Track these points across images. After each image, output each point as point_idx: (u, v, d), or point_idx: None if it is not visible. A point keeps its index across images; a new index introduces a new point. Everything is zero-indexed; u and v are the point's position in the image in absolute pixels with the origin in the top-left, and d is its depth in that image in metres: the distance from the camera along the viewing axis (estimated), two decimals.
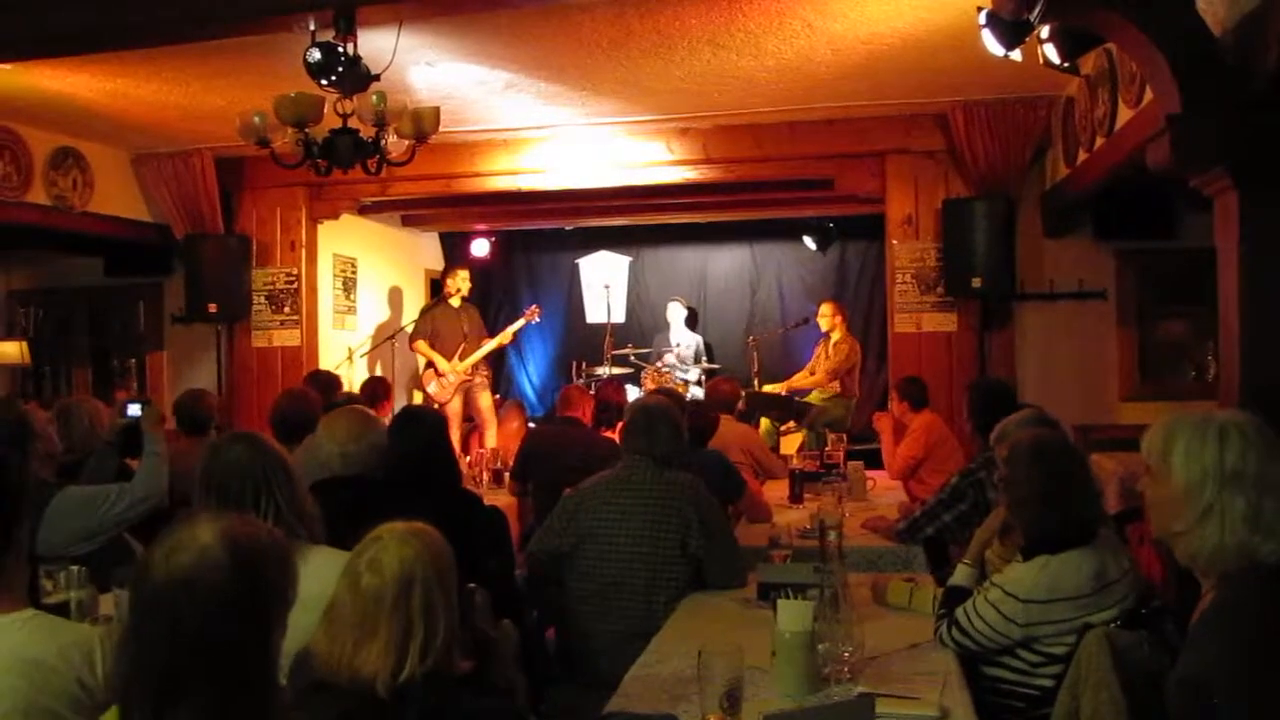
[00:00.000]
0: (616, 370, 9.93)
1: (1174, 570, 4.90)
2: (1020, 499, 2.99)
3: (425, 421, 3.90)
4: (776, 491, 5.90)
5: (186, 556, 1.66)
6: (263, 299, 8.62)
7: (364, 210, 9.24)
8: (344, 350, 9.39)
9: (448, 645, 2.11)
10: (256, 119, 5.24)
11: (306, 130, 5.09)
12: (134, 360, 9.24)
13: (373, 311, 10.18)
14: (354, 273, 9.75)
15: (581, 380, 9.62)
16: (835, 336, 9.10)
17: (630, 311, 11.84)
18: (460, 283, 9.11)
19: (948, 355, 7.55)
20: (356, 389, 8.63)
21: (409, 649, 2.06)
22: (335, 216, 8.86)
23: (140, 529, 3.89)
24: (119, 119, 7.24)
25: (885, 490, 6.12)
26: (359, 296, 9.85)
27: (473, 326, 9.09)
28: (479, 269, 10.61)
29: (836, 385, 8.96)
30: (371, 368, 9.78)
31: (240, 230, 8.61)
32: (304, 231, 8.64)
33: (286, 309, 8.62)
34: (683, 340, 10.77)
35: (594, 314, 11.63)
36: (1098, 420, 7.29)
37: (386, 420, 5.29)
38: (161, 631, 1.64)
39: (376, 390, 7.28)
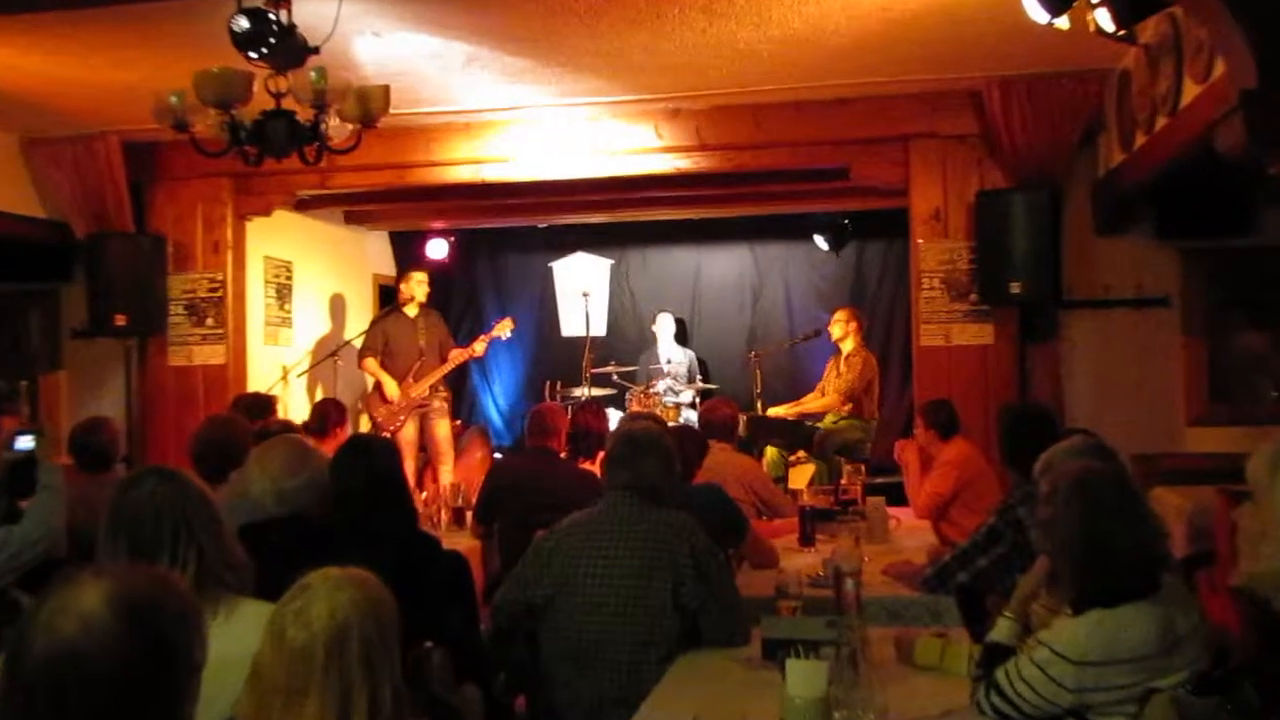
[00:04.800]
0: (596, 392, 9.91)
1: (1254, 623, 4.91)
2: (1061, 543, 2.98)
3: (374, 453, 3.89)
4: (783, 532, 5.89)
5: (69, 624, 1.63)
6: (181, 309, 8.57)
7: (301, 205, 9.22)
8: (278, 369, 9.35)
9: (397, 709, 2.11)
10: (173, 98, 5.22)
11: (233, 112, 5.08)
12: (24, 382, 9.15)
13: (312, 324, 10.16)
14: (289, 278, 9.72)
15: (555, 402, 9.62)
16: (847, 348, 9.11)
17: (612, 323, 11.85)
18: (415, 288, 9.11)
19: (982, 373, 7.56)
20: (291, 414, 8.62)
21: (351, 715, 2.06)
22: (267, 213, 8.84)
23: (32, 581, 3.86)
24: (5, 96, 7.18)
25: (911, 530, 6.11)
26: (295, 306, 9.82)
27: (432, 339, 9.07)
28: (436, 274, 10.58)
29: (850, 406, 8.97)
30: (310, 390, 9.74)
31: (154, 229, 8.57)
32: (230, 230, 8.60)
33: (209, 321, 8.57)
34: (673, 356, 10.78)
35: (570, 326, 11.62)
36: (1161, 448, 7.28)
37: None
38: (45, 714, 1.61)
39: (328, 415, 7.22)
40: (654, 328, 11.02)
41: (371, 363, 8.99)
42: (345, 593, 2.14)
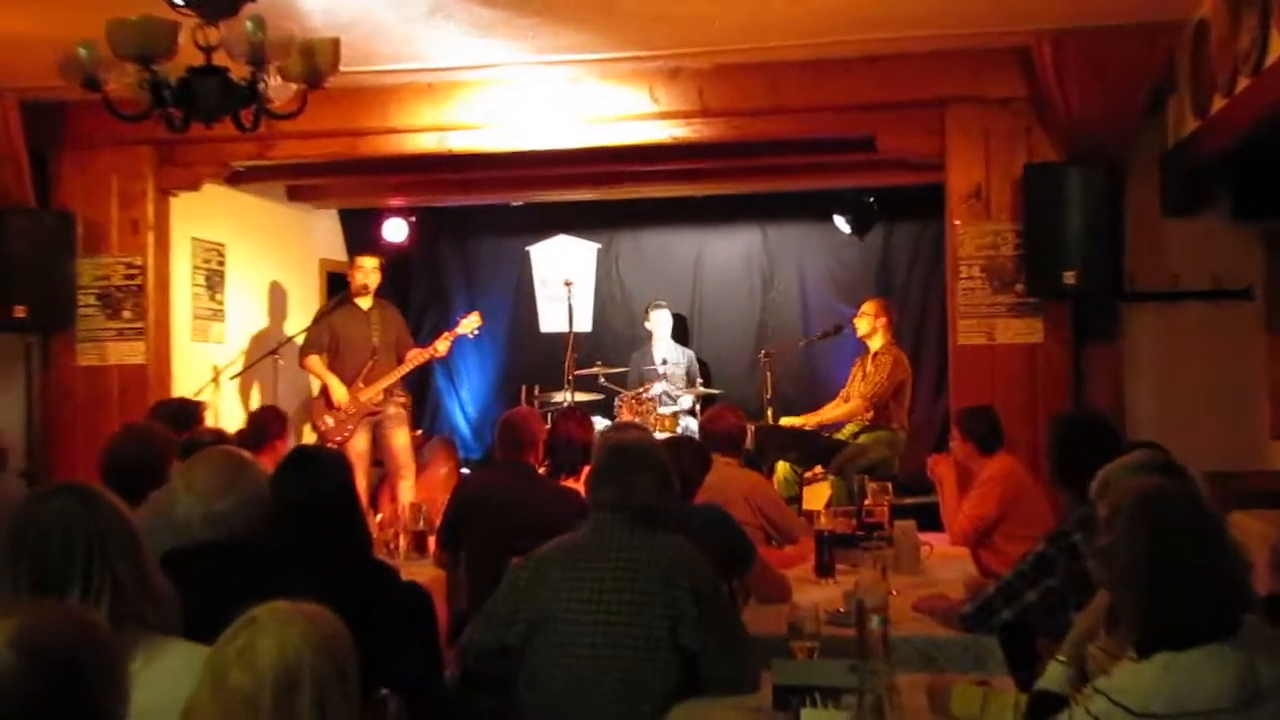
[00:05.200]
0: (580, 397, 9.93)
1: None
2: (1123, 574, 2.97)
3: (322, 466, 3.88)
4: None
5: None
6: (93, 299, 8.55)
7: (235, 179, 9.20)
8: (208, 370, 9.35)
9: None
10: (82, 51, 5.19)
11: (154, 67, 5.06)
12: None
13: (248, 317, 10.17)
14: (221, 264, 9.72)
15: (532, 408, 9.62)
16: (875, 346, 9.11)
17: (599, 318, 11.89)
18: (367, 275, 9.11)
19: (1030, 376, 7.56)
20: (224, 423, 8.60)
21: None
22: (195, 187, 8.83)
23: None
24: None
25: (946, 559, 6.11)
26: (229, 297, 9.83)
27: (387, 335, 9.10)
28: (394, 260, 10.58)
29: (871, 414, 8.97)
30: (245, 394, 9.73)
31: (60, 204, 8.54)
32: (151, 207, 8.58)
33: (126, 313, 8.54)
34: (670, 356, 10.78)
35: (550, 321, 11.63)
36: (1241, 466, 7.27)
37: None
38: None
39: (266, 425, 7.21)
40: (647, 323, 11.04)
41: (315, 362, 8.97)
42: (297, 628, 2.13)
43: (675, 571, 3.76)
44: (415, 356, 9.15)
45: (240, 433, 7.19)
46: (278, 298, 10.59)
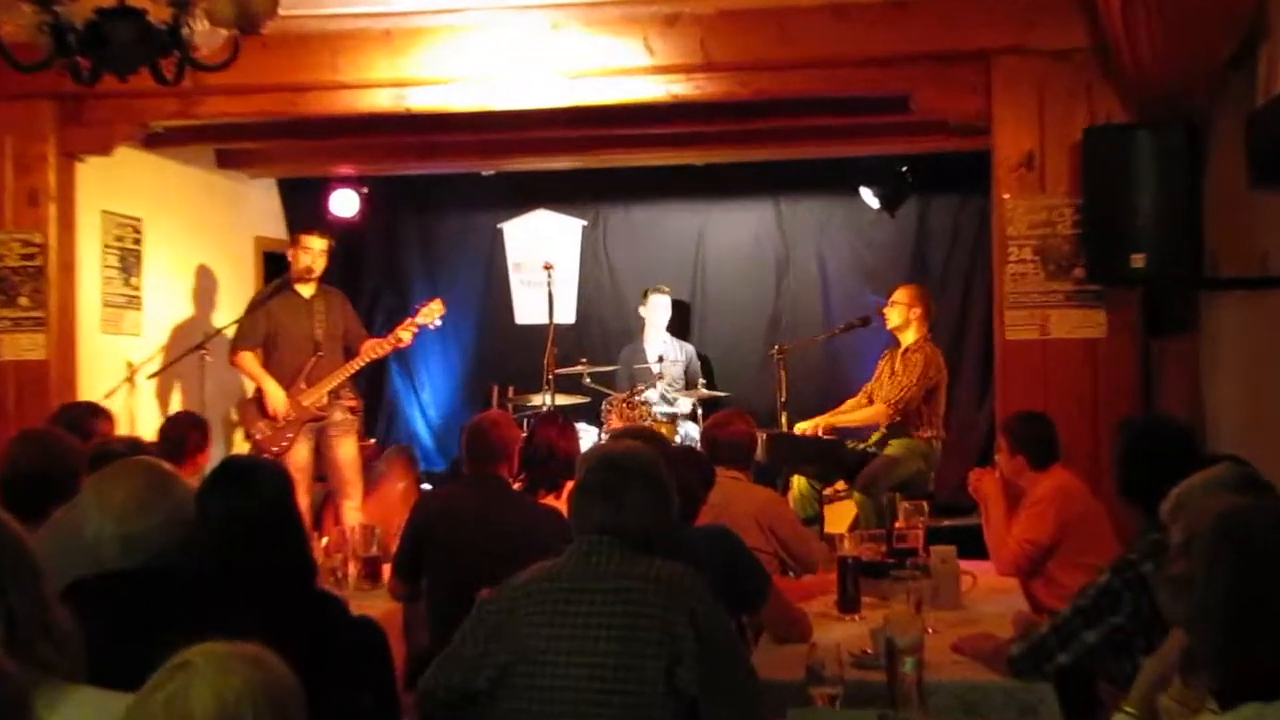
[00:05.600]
0: (562, 400, 9.93)
1: None
2: (1201, 611, 2.96)
3: (256, 480, 3.86)
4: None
5: None
6: None
7: (155, 141, 9.18)
8: (121, 367, 9.33)
9: None
10: None
11: (57, 8, 5.05)
12: None
13: (169, 305, 10.18)
14: (138, 243, 9.71)
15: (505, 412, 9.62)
16: (908, 341, 9.09)
17: (584, 306, 11.94)
18: (312, 258, 9.10)
19: (1091, 377, 7.58)
20: (139, 430, 8.59)
21: None
22: (106, 151, 8.80)
23: None
24: None
25: (991, 592, 6.12)
26: (147, 281, 9.82)
27: (333, 327, 9.09)
28: (342, 238, 10.57)
29: (898, 419, 8.97)
30: (164, 396, 9.72)
31: None
32: (53, 174, 8.56)
33: (23, 300, 8.53)
34: (668, 353, 10.78)
35: (527, 311, 11.66)
36: None
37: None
38: None
39: (185, 433, 7.23)
40: (642, 311, 11.04)
41: (249, 360, 8.94)
42: (238, 675, 2.11)
43: (673, 604, 3.74)
44: (372, 349, 9.09)
45: (153, 444, 7.15)
46: (205, 283, 10.59)
